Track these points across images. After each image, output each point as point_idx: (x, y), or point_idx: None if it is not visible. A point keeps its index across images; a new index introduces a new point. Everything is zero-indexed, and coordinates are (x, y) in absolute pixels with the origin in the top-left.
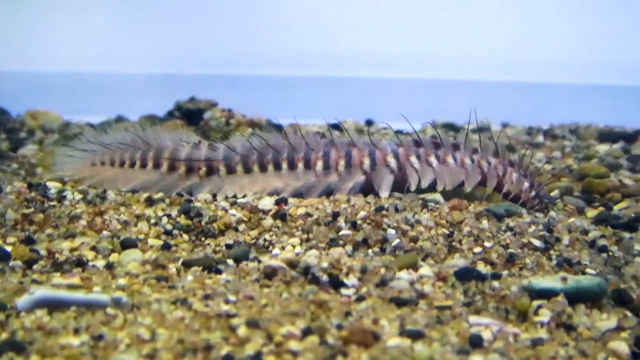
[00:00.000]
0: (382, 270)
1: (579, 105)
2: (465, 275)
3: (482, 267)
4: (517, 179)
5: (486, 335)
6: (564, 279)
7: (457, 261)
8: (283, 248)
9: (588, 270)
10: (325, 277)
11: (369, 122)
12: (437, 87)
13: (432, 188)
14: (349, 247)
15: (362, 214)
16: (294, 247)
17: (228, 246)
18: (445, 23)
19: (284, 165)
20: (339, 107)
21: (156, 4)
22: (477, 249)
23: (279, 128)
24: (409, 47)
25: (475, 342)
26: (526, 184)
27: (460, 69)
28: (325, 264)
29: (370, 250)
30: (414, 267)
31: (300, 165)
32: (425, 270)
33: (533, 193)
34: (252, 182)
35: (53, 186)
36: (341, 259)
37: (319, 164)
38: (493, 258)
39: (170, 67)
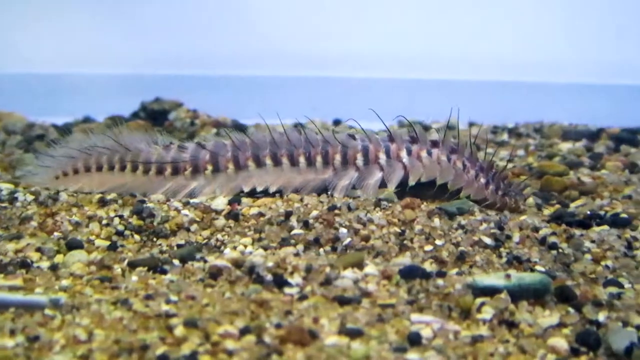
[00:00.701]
0: (327, 269)
1: (547, 104)
2: (410, 273)
3: (432, 266)
4: (480, 187)
5: (426, 333)
6: (508, 276)
7: (403, 259)
8: (235, 248)
9: (537, 267)
10: (269, 277)
11: (337, 122)
12: (407, 86)
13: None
14: (300, 247)
15: (315, 213)
16: (245, 246)
17: (180, 246)
18: (414, 23)
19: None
20: (308, 107)
21: (122, 5)
22: (428, 247)
23: (243, 128)
24: (379, 47)
25: (414, 340)
26: (491, 187)
27: (429, 68)
28: (270, 264)
29: (321, 250)
30: (360, 265)
31: (285, 161)
32: (371, 268)
33: (499, 194)
34: (244, 179)
35: (5, 187)
36: (287, 258)
37: (302, 160)
38: (444, 256)
39: (138, 67)
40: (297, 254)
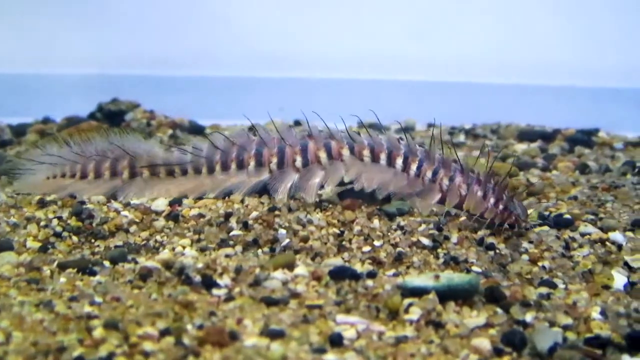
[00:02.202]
0: (257, 270)
1: (507, 105)
2: (339, 274)
3: (369, 266)
4: (479, 199)
5: (349, 334)
6: (437, 277)
7: (334, 260)
8: (173, 249)
9: (474, 267)
10: (197, 278)
11: (297, 123)
12: (366, 87)
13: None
14: (239, 248)
15: (255, 214)
16: (184, 248)
17: (118, 247)
18: (374, 25)
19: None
20: (266, 108)
21: (81, 5)
22: (366, 248)
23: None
24: (340, 48)
25: (335, 341)
26: (491, 200)
27: (389, 69)
28: (200, 265)
29: (259, 251)
30: (291, 266)
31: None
32: (301, 269)
33: (501, 207)
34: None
35: None
36: (217, 259)
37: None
38: (381, 257)
39: (98, 68)
40: (228, 255)
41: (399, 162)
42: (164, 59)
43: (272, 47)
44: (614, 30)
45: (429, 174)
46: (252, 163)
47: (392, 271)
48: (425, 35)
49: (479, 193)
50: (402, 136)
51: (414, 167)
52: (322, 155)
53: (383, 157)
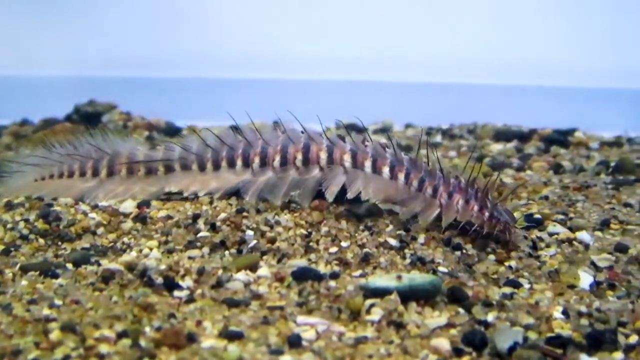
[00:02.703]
0: (220, 272)
1: (486, 105)
2: (302, 275)
3: (335, 267)
4: (462, 207)
5: (309, 335)
6: (399, 277)
7: (298, 261)
8: (140, 251)
9: (440, 268)
10: (159, 280)
11: (276, 124)
12: (345, 88)
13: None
14: (206, 249)
15: (223, 215)
16: (150, 249)
17: (84, 249)
18: (352, 26)
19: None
20: (248, 109)
21: (58, 6)
22: (333, 249)
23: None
24: (316, 49)
25: (293, 342)
26: (475, 208)
27: (368, 70)
28: (163, 267)
29: (227, 252)
30: (253, 267)
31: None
32: (264, 271)
33: (486, 214)
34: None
35: None
36: (180, 260)
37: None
38: (348, 257)
39: (76, 69)
40: (191, 257)
41: (386, 170)
42: (141, 61)
43: (249, 48)
44: (612, 30)
45: (415, 184)
46: (239, 162)
47: (359, 272)
48: (412, 36)
49: (461, 202)
50: (388, 143)
51: (401, 176)
52: (299, 157)
53: (368, 164)
